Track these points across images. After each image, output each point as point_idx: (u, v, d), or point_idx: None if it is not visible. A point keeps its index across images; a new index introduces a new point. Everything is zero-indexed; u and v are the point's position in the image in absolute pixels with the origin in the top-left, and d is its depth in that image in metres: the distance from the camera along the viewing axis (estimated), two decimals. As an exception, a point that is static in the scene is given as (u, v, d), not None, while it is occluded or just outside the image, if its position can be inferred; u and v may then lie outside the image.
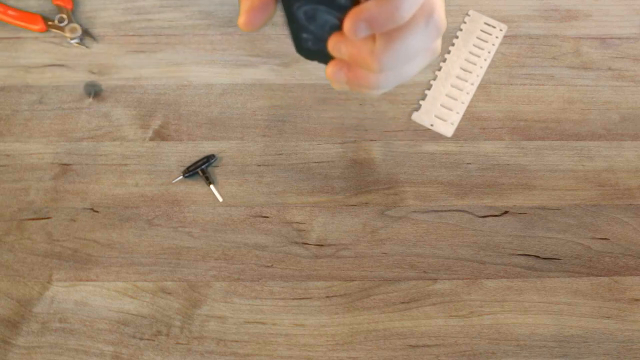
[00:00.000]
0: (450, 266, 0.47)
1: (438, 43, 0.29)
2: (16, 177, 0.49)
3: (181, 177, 0.49)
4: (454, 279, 0.47)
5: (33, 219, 0.48)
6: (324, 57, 0.31)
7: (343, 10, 0.27)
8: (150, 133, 0.51)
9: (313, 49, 0.31)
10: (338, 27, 0.29)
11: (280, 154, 0.51)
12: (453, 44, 0.55)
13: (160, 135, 0.51)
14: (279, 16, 0.59)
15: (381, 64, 0.28)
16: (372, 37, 0.27)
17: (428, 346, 0.45)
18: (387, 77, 0.29)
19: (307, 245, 0.48)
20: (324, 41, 0.29)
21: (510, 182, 0.50)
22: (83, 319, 0.45)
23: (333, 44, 0.29)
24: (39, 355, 0.44)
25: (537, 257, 0.48)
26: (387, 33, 0.27)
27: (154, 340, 0.44)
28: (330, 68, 0.30)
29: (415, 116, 0.52)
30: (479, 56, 0.54)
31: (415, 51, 0.28)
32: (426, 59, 0.29)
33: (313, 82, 0.53)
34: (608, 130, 0.52)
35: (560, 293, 0.46)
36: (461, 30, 0.56)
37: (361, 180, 0.50)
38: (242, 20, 0.28)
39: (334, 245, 0.48)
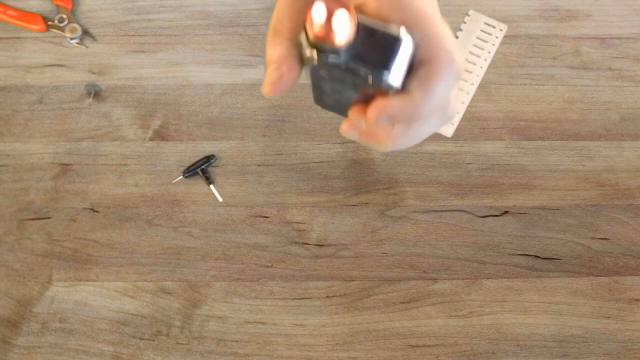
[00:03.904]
0: (450, 266, 0.47)
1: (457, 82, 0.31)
2: (16, 177, 0.49)
3: (181, 177, 0.49)
4: (454, 279, 0.47)
5: (33, 219, 0.48)
6: (341, 113, 0.34)
7: (368, 96, 0.30)
8: (150, 133, 0.51)
9: (331, 106, 0.35)
10: (359, 100, 0.31)
11: (280, 154, 0.51)
12: (453, 44, 0.55)
13: (160, 135, 0.51)
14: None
15: (395, 144, 0.31)
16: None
17: (428, 346, 0.45)
18: (395, 148, 0.32)
19: (307, 245, 0.48)
20: (343, 105, 0.32)
21: (510, 182, 0.50)
22: (83, 319, 0.45)
23: (354, 118, 0.31)
24: (39, 355, 0.44)
25: (537, 257, 0.48)
26: (405, 122, 0.30)
27: (154, 340, 0.44)
28: (345, 126, 0.32)
29: (415, 116, 0.52)
30: (479, 56, 0.54)
31: (427, 134, 0.31)
32: (433, 133, 0.32)
33: (313, 82, 0.53)
34: (608, 130, 0.52)
35: (560, 293, 0.46)
36: (461, 30, 0.56)
37: (361, 180, 0.50)
38: (267, 89, 0.30)
39: (334, 245, 0.48)
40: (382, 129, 0.30)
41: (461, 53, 0.29)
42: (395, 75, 0.28)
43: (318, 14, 0.26)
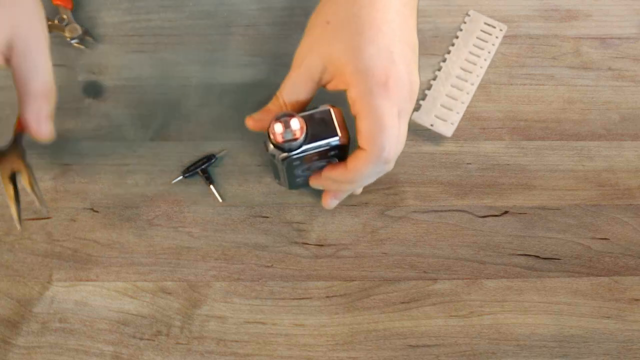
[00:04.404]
0: (450, 266, 0.47)
1: (389, 166, 0.40)
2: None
3: (181, 177, 0.49)
4: (454, 279, 0.47)
5: (33, 219, 0.48)
6: (307, 184, 0.45)
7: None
8: (150, 133, 0.51)
9: (302, 184, 0.46)
10: (315, 172, 0.43)
11: (280, 154, 0.50)
12: (453, 44, 0.55)
13: (160, 135, 0.51)
14: (280, 16, 0.59)
15: (344, 193, 0.45)
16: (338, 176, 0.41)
17: (428, 346, 0.45)
18: (354, 189, 0.46)
19: (307, 245, 0.48)
20: (307, 178, 0.44)
21: (510, 182, 0.50)
22: (83, 319, 0.45)
23: (314, 183, 0.45)
24: (39, 355, 0.44)
25: (537, 257, 0.48)
26: (346, 183, 0.42)
27: (154, 340, 0.44)
28: (326, 196, 0.46)
29: (415, 116, 0.52)
30: (479, 56, 0.54)
31: (369, 182, 0.43)
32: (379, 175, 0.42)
33: (313, 82, 0.53)
34: (608, 130, 0.52)
35: (560, 293, 0.46)
36: (461, 30, 0.56)
37: (361, 180, 0.50)
38: (250, 122, 0.43)
39: (334, 245, 0.48)
40: (335, 185, 0.43)
41: (395, 146, 0.37)
42: (341, 136, 0.38)
43: (279, 129, 0.37)
